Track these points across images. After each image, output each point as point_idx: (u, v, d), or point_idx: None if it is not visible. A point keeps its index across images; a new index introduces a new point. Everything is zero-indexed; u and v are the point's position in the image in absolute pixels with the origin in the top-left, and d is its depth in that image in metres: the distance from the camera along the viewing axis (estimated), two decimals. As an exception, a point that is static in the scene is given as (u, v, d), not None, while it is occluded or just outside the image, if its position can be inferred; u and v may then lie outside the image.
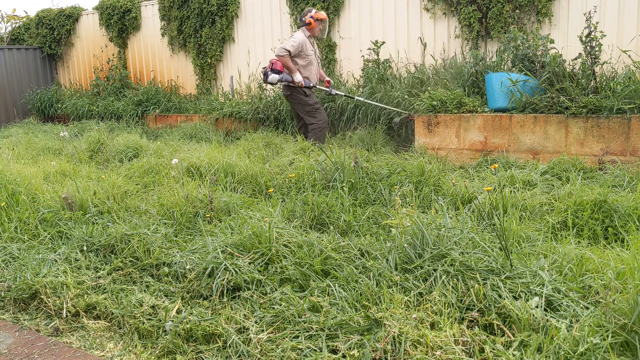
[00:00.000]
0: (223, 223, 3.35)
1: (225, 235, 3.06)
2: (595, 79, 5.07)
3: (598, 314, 2.01)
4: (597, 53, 5.05)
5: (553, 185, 4.07)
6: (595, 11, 5.41)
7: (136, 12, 10.31)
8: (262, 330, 2.28)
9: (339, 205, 3.60)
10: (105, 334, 2.49)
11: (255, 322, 2.36)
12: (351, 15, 7.78)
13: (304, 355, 2.09)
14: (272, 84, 6.15)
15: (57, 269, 2.95)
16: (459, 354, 1.95)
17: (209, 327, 2.32)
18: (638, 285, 1.97)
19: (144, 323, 2.45)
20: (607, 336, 1.89)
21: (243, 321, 2.35)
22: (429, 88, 5.99)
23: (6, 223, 3.70)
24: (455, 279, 2.36)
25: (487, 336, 2.05)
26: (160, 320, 2.44)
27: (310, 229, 3.39)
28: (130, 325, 2.48)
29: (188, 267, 2.82)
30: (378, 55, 6.89)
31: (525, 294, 2.22)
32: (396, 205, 3.13)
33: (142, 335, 2.42)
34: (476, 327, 2.12)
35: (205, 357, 2.21)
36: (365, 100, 6.41)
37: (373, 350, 2.00)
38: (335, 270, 2.65)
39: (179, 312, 2.50)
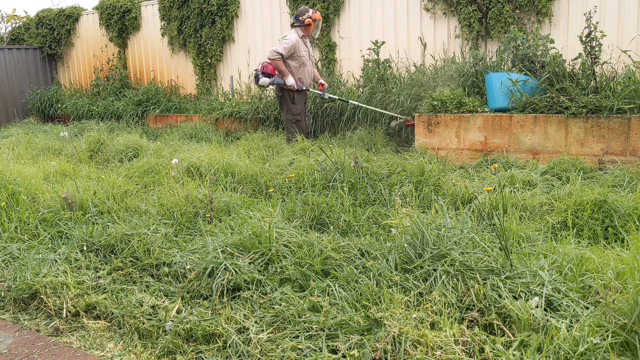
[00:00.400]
0: (223, 223, 3.35)
1: (225, 235, 3.06)
2: (595, 79, 5.07)
3: (598, 314, 2.01)
4: (597, 53, 5.05)
5: (553, 185, 4.07)
6: (595, 11, 5.41)
7: (136, 12, 10.31)
8: (262, 330, 2.28)
9: (339, 205, 3.60)
10: (105, 334, 2.49)
11: (255, 322, 2.35)
12: (351, 15, 7.78)
13: (304, 355, 2.09)
14: (263, 87, 6.15)
15: (57, 269, 2.95)
16: (459, 354, 1.95)
17: (209, 327, 2.32)
18: (638, 285, 1.97)
19: (144, 323, 2.45)
20: (607, 336, 1.89)
21: (243, 321, 2.35)
22: (430, 91, 5.98)
23: (6, 223, 3.70)
24: (455, 279, 2.36)
25: (487, 336, 2.05)
26: (160, 320, 2.44)
27: (310, 229, 3.39)
28: (130, 325, 2.48)
29: (188, 267, 2.82)
30: (378, 55, 6.89)
31: (525, 294, 2.22)
32: (396, 205, 3.13)
33: (142, 335, 2.42)
34: (476, 327, 2.12)
35: (205, 357, 2.21)
36: (361, 105, 6.43)
37: (373, 350, 2.00)
38: (335, 270, 2.65)
39: (179, 312, 2.50)
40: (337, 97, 6.52)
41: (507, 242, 2.51)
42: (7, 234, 3.57)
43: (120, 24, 10.54)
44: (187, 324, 2.36)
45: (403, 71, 7.12)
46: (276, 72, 6.04)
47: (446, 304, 2.24)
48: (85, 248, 3.23)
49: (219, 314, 2.43)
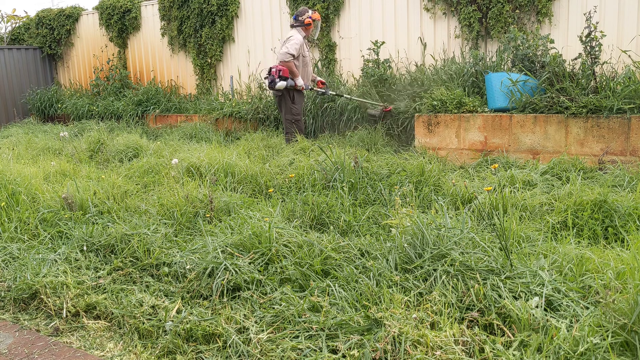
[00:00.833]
0: (223, 223, 3.35)
1: (225, 235, 3.06)
2: (595, 79, 5.07)
3: (598, 314, 2.01)
4: (597, 53, 5.05)
5: (553, 185, 4.07)
6: (595, 11, 5.41)
7: (136, 12, 10.31)
8: (262, 330, 2.28)
9: (339, 205, 3.60)
10: (105, 334, 2.49)
11: (255, 322, 2.35)
12: (351, 15, 7.78)
13: (304, 355, 2.09)
14: (279, 90, 6.10)
15: (57, 269, 2.95)
16: (459, 354, 1.95)
17: (209, 327, 2.32)
18: (638, 285, 1.97)
19: (144, 323, 2.45)
20: (607, 336, 1.89)
21: (243, 321, 2.35)
22: (430, 91, 5.99)
23: (6, 223, 3.70)
24: (455, 279, 2.36)
25: (487, 336, 2.05)
26: (160, 320, 2.44)
27: (310, 229, 3.39)
28: (130, 325, 2.48)
29: (188, 267, 2.82)
30: (378, 55, 6.89)
31: (525, 294, 2.22)
32: (396, 205, 3.13)
33: (142, 335, 2.42)
34: (476, 327, 2.12)
35: (205, 357, 2.21)
36: (351, 97, 6.58)
37: (373, 350, 2.00)
38: (335, 270, 2.65)
39: (179, 312, 2.50)
40: (334, 93, 6.63)
41: (507, 242, 2.51)
42: (7, 234, 3.57)
43: (120, 24, 10.54)
44: (187, 324, 2.36)
45: (403, 71, 7.11)
46: (288, 74, 6.02)
47: (446, 304, 2.24)
48: (85, 248, 3.23)
49: (219, 314, 2.43)
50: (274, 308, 2.41)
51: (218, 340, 2.28)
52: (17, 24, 12.41)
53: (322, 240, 2.99)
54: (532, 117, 5.08)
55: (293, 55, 5.94)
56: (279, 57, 6.01)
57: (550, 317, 2.08)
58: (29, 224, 3.70)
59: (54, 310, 2.68)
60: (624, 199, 3.35)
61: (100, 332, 2.50)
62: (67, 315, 2.64)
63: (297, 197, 3.77)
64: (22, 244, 3.44)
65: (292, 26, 6.28)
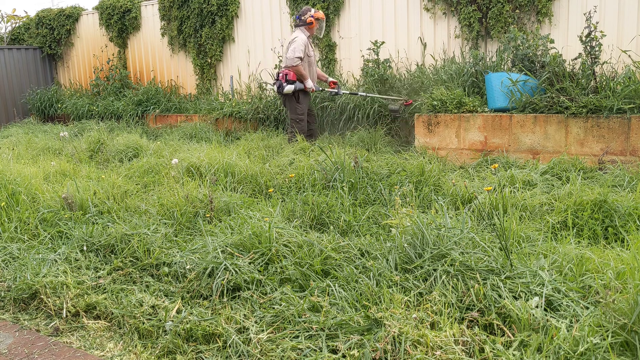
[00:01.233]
0: (223, 223, 3.35)
1: (225, 235, 3.06)
2: (595, 79, 5.07)
3: (598, 314, 2.01)
4: (597, 53, 5.05)
5: (553, 185, 4.07)
6: (595, 11, 5.41)
7: (136, 12, 10.31)
8: (262, 330, 2.28)
9: (339, 205, 3.60)
10: (105, 334, 2.49)
11: (255, 322, 2.36)
12: (351, 15, 7.78)
13: (304, 355, 2.09)
14: (287, 94, 6.11)
15: (57, 269, 2.95)
16: (459, 354, 1.95)
17: (209, 327, 2.32)
18: (638, 285, 1.97)
19: (144, 323, 2.45)
20: (607, 336, 1.89)
21: (243, 321, 2.35)
22: (430, 91, 5.99)
23: (6, 223, 3.70)
24: (455, 279, 2.36)
25: (487, 336, 2.05)
26: (160, 320, 2.44)
27: (310, 229, 3.39)
28: (130, 325, 2.48)
29: (188, 267, 2.82)
30: (378, 55, 6.89)
31: (525, 294, 2.22)
32: (396, 205, 3.13)
33: (142, 335, 2.42)
34: (476, 327, 2.12)
35: (205, 357, 2.21)
36: (368, 95, 6.50)
37: (373, 350, 2.00)
38: (335, 270, 2.65)
39: (179, 312, 2.50)
40: (348, 92, 6.58)
41: (507, 242, 2.51)
42: (7, 234, 3.57)
43: (120, 24, 10.54)
44: (187, 324, 2.36)
45: (403, 71, 7.12)
46: (297, 77, 6.02)
47: (446, 304, 2.24)
48: (85, 248, 3.23)
49: (219, 314, 2.43)
50: (274, 308, 2.41)
51: (218, 340, 2.28)
52: (17, 24, 12.41)
53: (322, 240, 2.99)
54: (532, 117, 5.08)
55: (300, 58, 5.93)
56: (286, 61, 5.99)
57: (550, 317, 2.08)
58: (29, 224, 3.70)
59: (54, 310, 2.68)
60: (624, 199, 3.35)
61: (100, 332, 2.50)
62: (67, 315, 2.64)
63: (297, 197, 3.77)
64: (22, 244, 3.44)
65: (295, 26, 6.27)
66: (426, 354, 1.96)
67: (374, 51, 6.84)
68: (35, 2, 25.40)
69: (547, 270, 2.39)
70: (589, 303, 2.18)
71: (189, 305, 2.58)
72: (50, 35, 11.71)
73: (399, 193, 3.72)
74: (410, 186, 3.88)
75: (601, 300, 2.03)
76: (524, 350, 1.96)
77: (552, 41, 5.47)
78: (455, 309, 2.23)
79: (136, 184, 4.65)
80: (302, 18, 6.14)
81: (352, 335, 2.11)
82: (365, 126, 6.62)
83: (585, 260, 2.51)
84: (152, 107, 9.37)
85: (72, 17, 11.40)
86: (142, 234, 3.25)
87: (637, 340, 1.85)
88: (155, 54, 10.36)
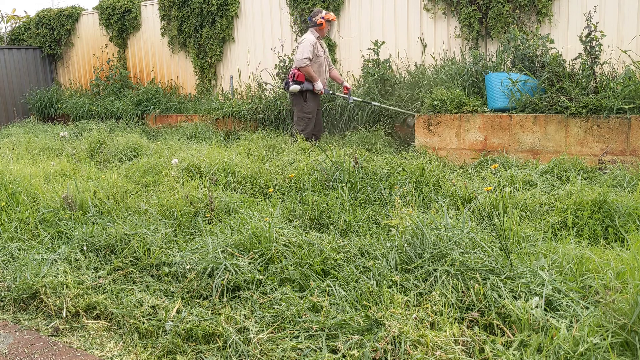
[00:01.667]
0: (223, 223, 3.35)
1: (225, 235, 3.06)
2: (595, 79, 5.07)
3: (598, 314, 2.01)
4: (597, 53, 5.05)
5: (553, 185, 4.07)
6: (595, 11, 5.41)
7: (136, 12, 10.31)
8: (262, 330, 2.28)
9: (339, 205, 3.60)
10: (105, 334, 2.49)
11: (255, 322, 2.35)
12: (351, 15, 7.78)
13: (304, 355, 2.09)
14: (293, 93, 6.13)
15: (57, 269, 2.95)
16: (459, 354, 1.95)
17: (209, 327, 2.32)
18: (638, 285, 1.97)
19: (144, 323, 2.45)
20: (607, 336, 1.89)
21: (243, 321, 2.35)
22: (430, 91, 5.98)
23: (6, 223, 3.70)
24: (455, 279, 2.36)
25: (487, 336, 2.05)
26: (160, 320, 2.44)
27: (310, 229, 3.39)
28: (130, 325, 2.48)
29: (188, 267, 2.82)
30: (378, 55, 6.89)
31: (525, 294, 2.22)
32: (396, 205, 3.13)
33: (142, 335, 2.42)
34: (476, 327, 2.12)
35: (205, 357, 2.21)
36: (381, 106, 6.44)
37: (373, 350, 2.00)
38: (335, 270, 2.65)
39: (179, 312, 2.50)
40: (360, 99, 6.49)
41: (507, 242, 2.51)
42: (7, 234, 3.57)
43: (120, 24, 10.54)
44: (187, 324, 2.36)
45: (403, 71, 7.12)
46: (305, 78, 6.03)
47: (446, 304, 2.24)
48: (85, 248, 3.23)
49: (219, 314, 2.43)
50: (274, 308, 2.41)
51: (218, 340, 2.28)
52: (17, 24, 12.41)
53: (322, 240, 2.99)
54: (532, 117, 5.08)
55: (309, 59, 5.94)
56: (296, 63, 6.01)
57: (550, 317, 2.08)
58: (29, 224, 3.69)
59: (54, 310, 2.68)
60: (624, 199, 3.35)
61: (100, 332, 2.50)
62: (67, 315, 2.64)
63: (297, 197, 3.77)
64: (22, 244, 3.44)
65: (307, 27, 6.31)
66: (426, 354, 1.96)
67: (374, 51, 6.84)
68: (35, 2, 25.41)
69: (547, 270, 2.39)
70: (589, 303, 2.18)
71: (189, 305, 2.58)
72: (50, 35, 11.71)
73: (399, 193, 3.72)
74: (410, 186, 3.88)
75: (601, 300, 2.03)
76: (524, 350, 1.96)
77: (552, 41, 5.47)
78: (455, 309, 2.23)
79: (136, 184, 4.65)
80: (313, 19, 6.18)
81: (352, 335, 2.11)
82: (365, 126, 6.62)
83: (585, 260, 2.51)
84: (152, 107, 9.37)
85: (72, 17, 11.40)
86: (142, 234, 3.25)
87: (637, 340, 1.85)
88: (155, 54, 10.36)
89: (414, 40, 7.24)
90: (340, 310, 2.29)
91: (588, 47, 5.06)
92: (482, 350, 2.00)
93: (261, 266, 2.76)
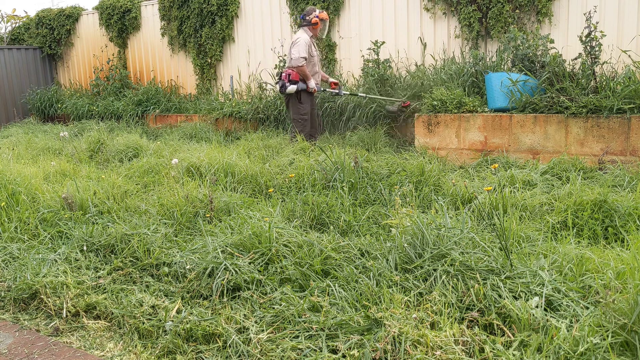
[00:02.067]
0: (223, 223, 3.35)
1: (225, 235, 3.06)
2: (595, 79, 5.07)
3: (598, 314, 2.01)
4: (597, 53, 5.05)
5: (553, 185, 4.07)
6: (595, 11, 5.41)
7: (136, 12, 10.31)
8: (262, 330, 2.28)
9: (339, 205, 3.60)
10: (105, 334, 2.49)
11: (255, 322, 2.36)
12: (351, 15, 7.78)
13: (304, 355, 2.09)
14: (290, 94, 6.12)
15: (57, 269, 2.95)
16: (459, 354, 1.95)
17: (209, 327, 2.32)
18: (638, 285, 1.97)
19: (144, 323, 2.45)
20: (607, 336, 1.89)
21: (243, 321, 2.35)
22: (430, 91, 6.00)
23: (6, 223, 3.70)
24: (455, 279, 2.36)
25: (487, 336, 2.05)
26: (160, 320, 2.44)
27: (310, 229, 3.39)
28: (130, 325, 2.48)
29: (188, 267, 2.82)
30: (378, 55, 6.89)
31: (525, 294, 2.22)
32: (396, 205, 3.13)
33: (142, 335, 2.42)
34: (476, 327, 2.12)
35: (205, 357, 2.21)
36: (367, 96, 6.53)
37: (373, 350, 2.00)
38: (335, 270, 2.65)
39: (179, 312, 2.50)
40: (348, 92, 6.60)
41: (507, 242, 2.51)
42: (7, 234, 3.57)
43: (120, 24, 10.54)
44: (187, 324, 2.36)
45: (403, 71, 7.12)
46: (299, 77, 6.02)
47: (446, 304, 2.24)
48: (85, 248, 3.23)
49: (219, 314, 2.43)
50: (274, 308, 2.41)
51: (218, 340, 2.28)
52: (17, 24, 12.41)
53: (322, 240, 2.99)
54: (532, 117, 5.08)
55: (305, 58, 5.93)
56: (290, 62, 5.99)
57: (550, 317, 2.08)
58: (29, 224, 3.69)
59: (54, 310, 2.68)
60: (624, 199, 3.35)
61: (100, 332, 2.50)
62: (67, 315, 2.64)
63: (297, 197, 3.77)
64: (22, 244, 3.44)
65: (299, 26, 6.28)
66: (426, 354, 1.96)
67: (374, 51, 6.84)
68: (35, 2, 25.41)
69: (547, 270, 2.39)
70: (589, 303, 2.18)
71: (189, 305, 2.58)
72: (50, 35, 11.71)
73: (399, 193, 3.72)
74: (410, 186, 3.88)
75: (601, 300, 2.03)
76: (524, 350, 1.96)
77: (552, 41, 5.47)
78: (455, 309, 2.23)
79: (136, 184, 4.65)
80: (307, 18, 6.14)
81: (352, 335, 2.11)
82: (365, 126, 6.62)
83: (585, 260, 2.51)
84: (152, 107, 9.37)
85: (72, 17, 11.40)
86: (142, 234, 3.25)
87: (637, 340, 1.85)
88: (155, 54, 10.36)
89: (414, 40, 7.25)
90: (340, 310, 2.29)
91: (588, 47, 5.06)
92: (482, 350, 2.00)
93: (261, 266, 2.76)
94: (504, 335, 2.07)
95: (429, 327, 2.12)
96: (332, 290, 2.45)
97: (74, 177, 4.75)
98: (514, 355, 1.93)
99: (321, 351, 2.08)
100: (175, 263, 2.91)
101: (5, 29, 12.61)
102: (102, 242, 3.25)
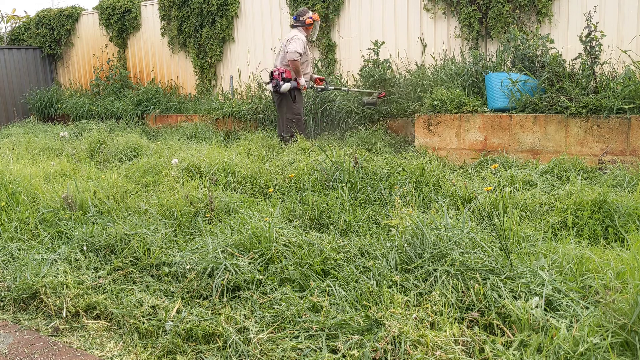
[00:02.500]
0: (223, 223, 3.35)
1: (225, 235, 3.06)
2: (595, 79, 5.07)
3: (598, 314, 2.01)
4: (597, 53, 5.05)
5: (553, 185, 4.07)
6: (595, 11, 5.41)
7: (136, 12, 10.31)
8: (262, 330, 2.28)
9: (339, 205, 3.60)
10: (105, 334, 2.49)
11: (255, 322, 2.36)
12: (351, 15, 7.78)
13: (304, 355, 2.09)
14: (283, 94, 6.12)
15: (57, 269, 2.95)
16: (459, 354, 1.95)
17: (209, 327, 2.32)
18: (638, 285, 1.97)
19: (144, 323, 2.45)
20: (607, 336, 1.89)
21: (243, 321, 2.35)
22: (429, 91, 6.01)
23: (6, 223, 3.70)
24: (455, 279, 2.36)
25: (487, 336, 2.05)
26: (160, 320, 2.44)
27: (310, 229, 3.39)
28: (130, 325, 2.48)
29: (188, 267, 2.82)
30: (378, 55, 6.89)
31: (525, 294, 2.22)
32: (396, 205, 3.13)
33: (142, 335, 2.42)
34: (476, 327, 2.12)
35: (205, 357, 2.21)
36: (350, 90, 6.71)
37: (373, 350, 2.00)
38: (335, 270, 2.65)
39: (179, 312, 2.50)
40: (333, 87, 6.73)
41: (507, 242, 2.51)
42: (7, 234, 3.57)
43: (120, 24, 10.54)
44: (187, 324, 2.36)
45: (403, 71, 7.12)
46: (292, 74, 6.02)
47: (446, 304, 2.24)
48: (85, 248, 3.23)
49: (219, 314, 2.43)
50: (274, 308, 2.41)
51: (218, 340, 2.28)
52: (17, 24, 12.41)
53: (322, 240, 2.99)
54: (532, 117, 5.08)
55: (301, 55, 5.95)
56: (288, 56, 5.98)
57: (550, 317, 2.08)
58: (29, 224, 3.69)
59: (54, 310, 2.68)
60: (624, 199, 3.35)
61: (100, 332, 2.50)
62: (67, 315, 2.64)
63: (297, 197, 3.77)
64: (22, 244, 3.44)
65: (292, 26, 6.28)
66: (426, 354, 1.96)
67: (374, 51, 6.84)
68: (35, 2, 25.41)
69: (547, 270, 2.39)
70: (589, 303, 2.18)
71: (189, 305, 2.58)
72: (50, 35, 11.71)
73: (399, 193, 3.72)
74: (410, 186, 3.88)
75: (601, 300, 2.03)
76: (524, 350, 1.96)
77: (552, 41, 5.47)
78: (455, 309, 2.23)
79: (136, 184, 4.65)
80: (301, 19, 6.15)
81: (352, 335, 2.11)
82: (366, 126, 6.63)
83: (585, 260, 2.51)
84: (152, 107, 9.37)
85: (72, 17, 11.40)
86: (142, 234, 3.25)
87: (637, 340, 1.85)
88: (155, 54, 10.36)
89: (414, 40, 7.24)
90: (340, 310, 2.29)
91: (588, 47, 5.06)
92: (482, 350, 2.00)
93: (261, 266, 2.76)
94: (504, 335, 2.07)
95: (429, 327, 2.12)
96: (332, 290, 2.45)
97: (74, 177, 4.75)
98: (514, 355, 1.93)
99: (321, 351, 2.08)
100: (175, 263, 2.91)
101: (5, 29, 12.61)
102: (102, 242, 3.25)
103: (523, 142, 5.16)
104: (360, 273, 2.58)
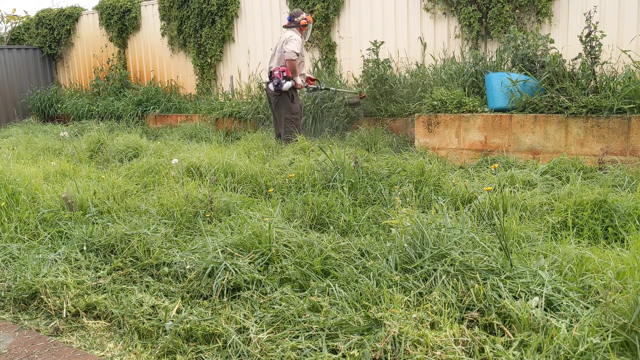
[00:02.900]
0: (223, 223, 3.35)
1: (225, 235, 3.06)
2: (595, 78, 5.07)
3: (598, 314, 2.01)
4: (597, 53, 5.05)
5: (553, 185, 4.07)
6: (595, 11, 5.41)
7: (136, 12, 10.31)
8: (262, 330, 2.28)
9: (339, 205, 3.60)
10: (105, 334, 2.49)
11: (255, 322, 2.36)
12: (351, 15, 7.78)
13: (304, 355, 2.09)
14: (278, 94, 6.13)
15: (57, 269, 2.95)
16: (459, 354, 1.95)
17: (209, 327, 2.32)
18: (638, 285, 1.97)
19: (144, 323, 2.45)
20: (607, 336, 1.89)
21: (243, 321, 2.35)
22: (429, 91, 6.02)
23: (6, 223, 3.70)
24: (455, 279, 2.36)
25: (487, 336, 2.05)
26: (160, 320, 2.44)
27: (310, 229, 3.39)
28: (130, 325, 2.48)
29: (188, 267, 2.82)
30: (378, 55, 6.89)
31: (525, 293, 2.22)
32: (396, 205, 3.13)
33: (142, 335, 2.42)
34: (476, 327, 2.12)
35: (205, 357, 2.21)
36: (337, 90, 6.87)
37: (373, 350, 2.00)
38: (335, 270, 2.65)
39: (179, 312, 2.50)
40: (325, 87, 6.80)
41: (507, 242, 2.51)
42: (7, 234, 3.57)
43: (120, 24, 10.54)
44: (187, 324, 2.36)
45: (403, 71, 7.12)
46: (290, 74, 6.04)
47: (446, 304, 2.24)
48: (85, 248, 3.23)
49: (219, 314, 2.43)
50: (274, 308, 2.41)
51: (218, 340, 2.28)
52: (17, 24, 12.41)
53: (322, 240, 2.99)
54: (532, 117, 5.08)
55: (298, 55, 5.96)
56: (285, 56, 5.98)
57: (550, 317, 2.08)
58: (29, 224, 3.69)
59: (54, 310, 2.68)
60: (624, 199, 3.35)
61: (100, 332, 2.50)
62: (67, 315, 2.64)
63: (297, 197, 3.77)
64: (22, 244, 3.44)
65: (286, 27, 6.28)
66: (426, 354, 1.96)
67: (373, 51, 6.84)
68: (35, 2, 25.41)
69: (547, 270, 2.39)
70: (589, 303, 2.18)
71: (189, 305, 2.58)
72: (50, 35, 11.71)
73: (399, 193, 3.72)
74: (410, 186, 3.88)
75: (601, 300, 2.03)
76: (524, 350, 1.96)
77: (552, 41, 5.47)
78: (455, 309, 2.23)
79: (136, 184, 4.65)
80: (296, 20, 6.16)
81: (352, 335, 2.11)
82: (366, 126, 6.63)
83: (585, 260, 2.51)
84: (152, 107, 9.37)
85: (72, 17, 11.40)
86: (142, 234, 3.25)
87: (637, 340, 1.85)
88: (155, 54, 10.36)
89: (414, 40, 7.24)
90: (340, 310, 2.29)
91: (588, 47, 5.06)
92: (482, 350, 2.00)
93: (261, 266, 2.76)
94: (504, 335, 2.07)
95: (429, 327, 2.12)
96: (332, 290, 2.45)
97: (74, 177, 4.75)
98: (514, 355, 1.93)
99: (321, 351, 2.08)
100: (175, 263, 2.91)
101: (5, 29, 12.61)
102: (102, 242, 3.25)
103: (523, 142, 5.16)
104: (360, 273, 2.58)
